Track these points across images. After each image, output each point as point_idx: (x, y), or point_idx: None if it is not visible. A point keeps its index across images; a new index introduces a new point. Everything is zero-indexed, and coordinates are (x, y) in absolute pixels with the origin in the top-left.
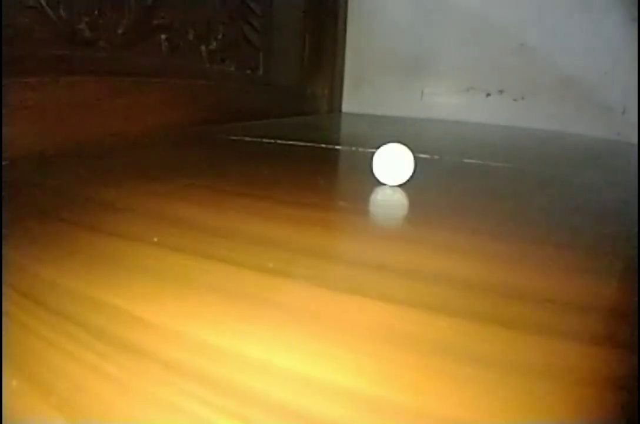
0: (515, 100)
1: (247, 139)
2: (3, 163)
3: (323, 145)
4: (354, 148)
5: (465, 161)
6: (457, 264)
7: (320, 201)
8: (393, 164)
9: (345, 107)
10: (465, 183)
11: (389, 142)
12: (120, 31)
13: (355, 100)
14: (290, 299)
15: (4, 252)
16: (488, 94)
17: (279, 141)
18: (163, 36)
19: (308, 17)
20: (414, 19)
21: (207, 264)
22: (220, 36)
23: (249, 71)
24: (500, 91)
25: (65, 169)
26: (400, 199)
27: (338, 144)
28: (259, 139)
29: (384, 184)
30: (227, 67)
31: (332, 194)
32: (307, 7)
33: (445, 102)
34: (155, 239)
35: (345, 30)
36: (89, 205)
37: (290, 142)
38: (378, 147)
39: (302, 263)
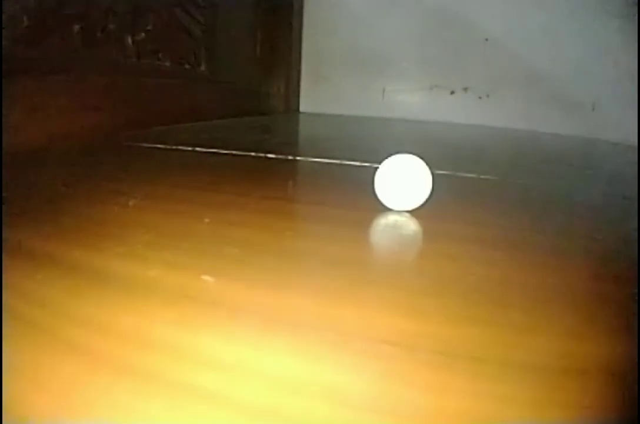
0: (480, 98)
1: (161, 147)
2: None
3: (261, 154)
4: (310, 159)
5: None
6: None
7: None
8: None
9: (303, 106)
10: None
11: (352, 148)
12: (24, 24)
13: (313, 99)
14: None
15: None
16: (452, 92)
17: (197, 149)
18: (77, 26)
19: (260, 8)
20: (374, 13)
21: None
22: (150, 26)
23: (187, 66)
24: (465, 89)
25: None
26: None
27: (285, 153)
28: (176, 147)
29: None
30: (160, 61)
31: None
32: None
33: (408, 100)
34: None
35: (301, 23)
36: None
37: (222, 151)
38: (338, 158)
39: None
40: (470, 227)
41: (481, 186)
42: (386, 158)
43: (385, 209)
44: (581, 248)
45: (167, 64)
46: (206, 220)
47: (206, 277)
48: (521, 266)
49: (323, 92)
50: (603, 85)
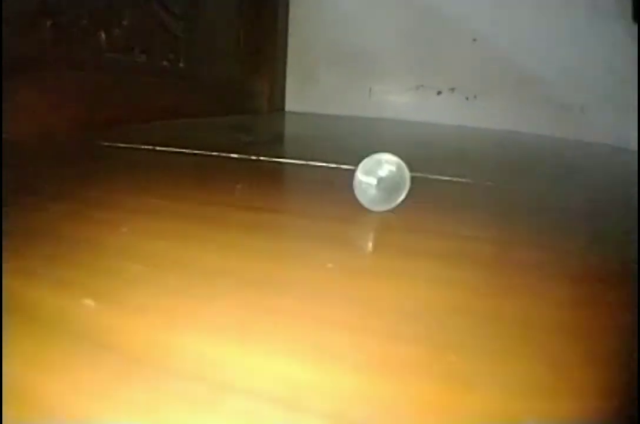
0: (467, 98)
1: (125, 146)
2: None
3: (224, 154)
4: (276, 159)
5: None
6: None
7: None
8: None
9: (289, 106)
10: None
11: (328, 148)
12: None
13: (299, 98)
14: None
15: None
16: (439, 92)
17: (160, 149)
18: (48, 22)
19: (244, 4)
20: (362, 12)
21: None
22: (125, 21)
23: (166, 63)
24: (452, 89)
25: None
26: None
27: (250, 153)
28: (140, 147)
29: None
30: (135, 57)
31: None
32: None
33: (395, 100)
34: None
35: (287, 21)
36: None
37: (185, 151)
38: (308, 158)
39: None
40: (431, 239)
41: (453, 190)
42: (361, 159)
43: (362, 211)
44: (557, 264)
45: (144, 60)
46: (123, 229)
47: (88, 301)
48: (479, 288)
49: (309, 91)
50: (593, 87)
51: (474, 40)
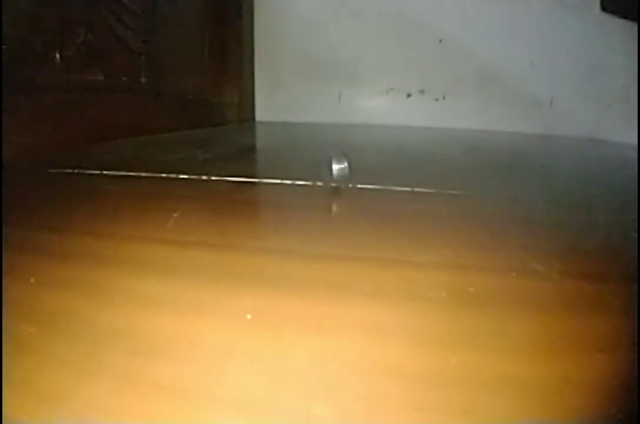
0: (436, 99)
1: (70, 171)
2: None
3: (173, 175)
4: (229, 178)
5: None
6: None
7: None
8: None
9: (259, 115)
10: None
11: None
12: None
13: (269, 107)
14: None
15: None
16: (409, 95)
17: (105, 172)
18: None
19: (207, 14)
20: (326, 18)
21: None
22: (80, 40)
23: (125, 79)
24: (421, 91)
25: None
26: None
27: (200, 173)
28: (82, 172)
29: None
30: (92, 75)
31: None
32: (205, 2)
33: (365, 105)
34: None
35: (252, 29)
36: None
37: (130, 174)
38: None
39: None
40: (373, 268)
41: (411, 203)
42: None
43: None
44: (520, 294)
45: (101, 77)
46: (31, 280)
47: None
48: (419, 337)
49: (279, 100)
50: (560, 80)
51: (440, 41)
